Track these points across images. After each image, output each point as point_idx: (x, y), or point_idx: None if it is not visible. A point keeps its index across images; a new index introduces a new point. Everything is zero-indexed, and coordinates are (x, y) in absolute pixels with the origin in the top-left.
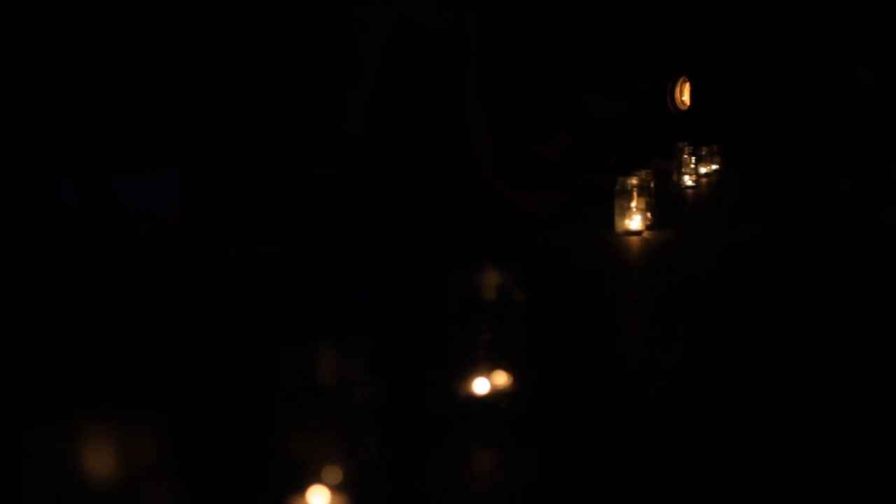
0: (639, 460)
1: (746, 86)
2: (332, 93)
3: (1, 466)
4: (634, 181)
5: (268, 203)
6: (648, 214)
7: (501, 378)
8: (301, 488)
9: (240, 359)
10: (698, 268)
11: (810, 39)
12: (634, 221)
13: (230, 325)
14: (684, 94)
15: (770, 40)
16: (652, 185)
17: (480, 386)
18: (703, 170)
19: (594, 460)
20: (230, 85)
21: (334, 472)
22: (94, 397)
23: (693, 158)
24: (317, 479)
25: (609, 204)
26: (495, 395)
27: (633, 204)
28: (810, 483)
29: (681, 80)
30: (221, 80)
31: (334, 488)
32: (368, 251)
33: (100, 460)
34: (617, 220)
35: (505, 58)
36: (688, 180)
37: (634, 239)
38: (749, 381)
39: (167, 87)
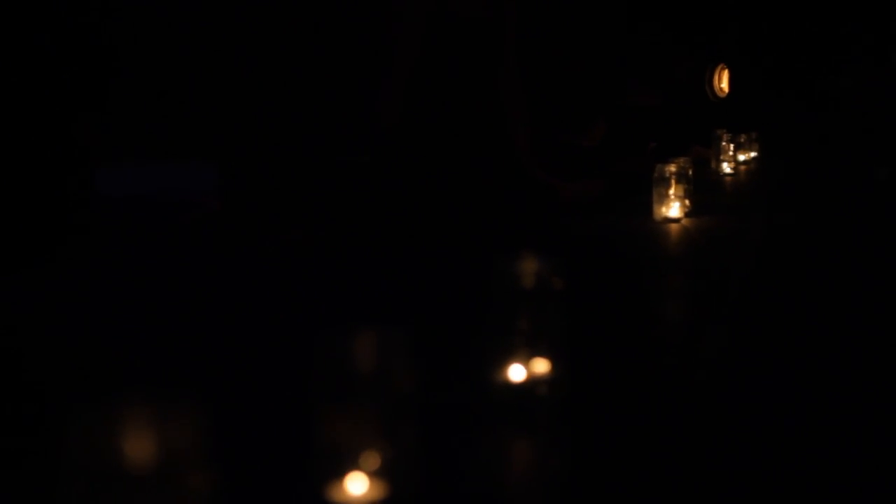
0: (680, 446)
1: (781, 73)
2: (369, 81)
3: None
4: (673, 168)
5: (306, 190)
6: (687, 202)
7: (541, 365)
8: (338, 475)
9: (276, 345)
10: (737, 255)
11: (847, 25)
12: (673, 209)
13: (267, 311)
14: (723, 82)
15: (805, 26)
16: (690, 172)
17: (520, 373)
18: (741, 157)
19: (634, 447)
20: (269, 73)
21: (371, 459)
22: (131, 381)
23: (731, 146)
24: (354, 465)
25: (647, 191)
26: (535, 382)
27: (672, 191)
28: (855, 465)
29: (719, 67)
30: (260, 68)
31: (371, 474)
32: (408, 239)
33: (135, 445)
34: (655, 207)
35: (542, 46)
36: (726, 168)
37: (673, 226)
38: (790, 367)
39: (206, 76)
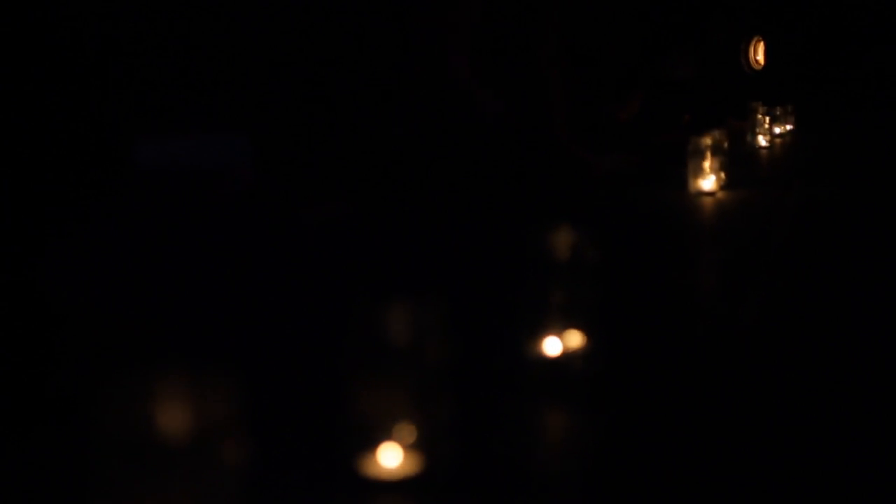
0: (714, 419)
1: (818, 44)
2: (404, 50)
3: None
4: (708, 141)
5: (340, 162)
6: (722, 175)
7: (575, 336)
8: (372, 445)
9: (312, 316)
10: (772, 228)
11: None
12: (708, 182)
13: (302, 283)
14: (759, 54)
15: None
16: (725, 145)
17: (554, 344)
18: (777, 130)
19: (668, 420)
20: (302, 42)
21: (406, 430)
22: (165, 352)
23: (767, 118)
24: (388, 436)
25: (682, 164)
26: (569, 354)
27: (707, 164)
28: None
29: (755, 39)
30: (293, 37)
31: (405, 445)
32: (442, 211)
33: (171, 413)
34: (690, 180)
35: (578, 18)
36: (762, 140)
37: (708, 199)
38: (828, 342)
39: (238, 46)
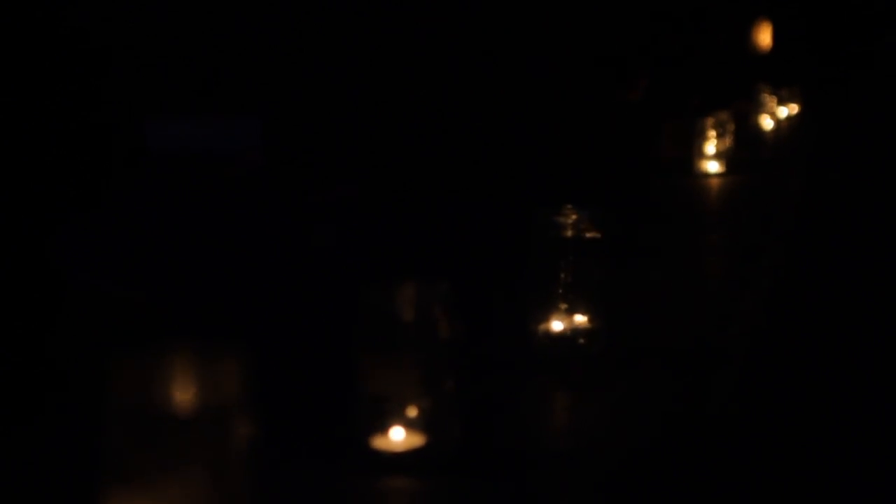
0: (712, 402)
1: (826, 25)
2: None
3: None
4: (714, 123)
5: (350, 145)
6: (728, 156)
7: (579, 318)
8: (378, 423)
9: (319, 298)
10: (777, 209)
11: None
12: (713, 163)
13: (310, 265)
14: (765, 36)
15: None
16: (732, 126)
17: (557, 325)
18: (783, 112)
19: (667, 402)
20: (312, 27)
21: (411, 408)
22: (176, 332)
23: (773, 100)
24: (394, 413)
25: (689, 146)
26: (572, 335)
27: (713, 146)
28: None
29: (761, 21)
30: (303, 22)
31: (411, 423)
32: (444, 196)
33: (181, 392)
34: (696, 161)
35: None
36: (768, 122)
37: (713, 181)
38: (828, 325)
39: (250, 32)
